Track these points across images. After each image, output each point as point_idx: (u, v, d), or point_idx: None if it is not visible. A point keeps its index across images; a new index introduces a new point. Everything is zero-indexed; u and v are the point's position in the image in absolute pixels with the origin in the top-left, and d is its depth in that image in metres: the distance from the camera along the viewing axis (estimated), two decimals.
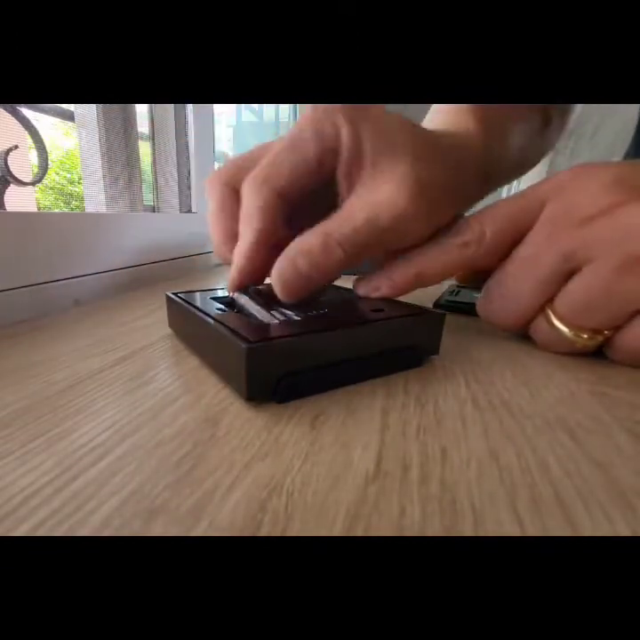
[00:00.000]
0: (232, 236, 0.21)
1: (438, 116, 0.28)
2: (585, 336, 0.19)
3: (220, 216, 0.22)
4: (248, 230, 0.19)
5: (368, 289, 0.21)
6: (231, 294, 0.21)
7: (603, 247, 0.17)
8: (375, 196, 0.18)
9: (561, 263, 0.18)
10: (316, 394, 0.16)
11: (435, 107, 0.31)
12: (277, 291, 0.19)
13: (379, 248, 0.19)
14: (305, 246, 0.18)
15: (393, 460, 0.12)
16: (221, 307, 0.19)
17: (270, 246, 0.19)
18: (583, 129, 1.88)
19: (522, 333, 0.22)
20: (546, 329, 0.20)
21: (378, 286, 0.21)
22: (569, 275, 0.18)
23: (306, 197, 0.20)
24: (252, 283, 0.20)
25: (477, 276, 0.27)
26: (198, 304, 0.20)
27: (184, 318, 0.21)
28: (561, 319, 0.19)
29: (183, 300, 0.21)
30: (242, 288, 0.20)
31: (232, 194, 0.21)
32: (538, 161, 0.35)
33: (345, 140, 0.18)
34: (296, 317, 0.18)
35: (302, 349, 0.15)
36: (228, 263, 0.22)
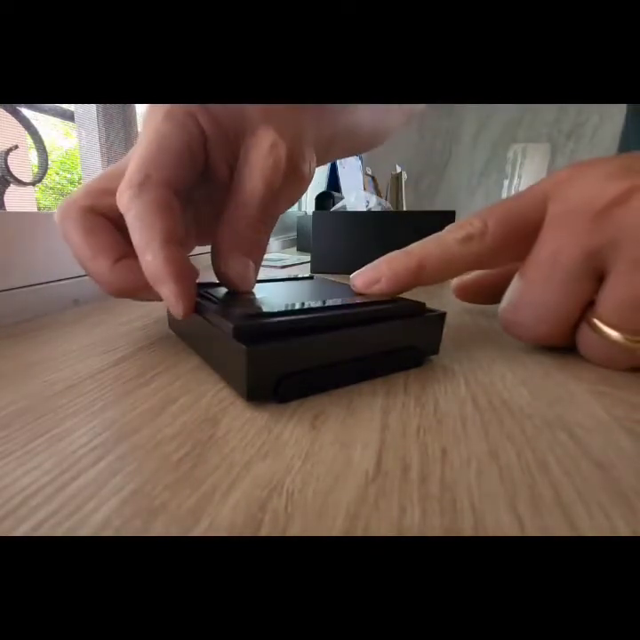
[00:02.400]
0: (120, 264, 0.18)
1: None
2: None
3: (98, 245, 0.18)
4: (152, 234, 0.16)
5: (366, 281, 0.20)
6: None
7: (629, 235, 0.16)
8: None
9: (585, 261, 0.17)
10: (316, 393, 0.16)
11: None
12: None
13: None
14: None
15: (393, 460, 0.12)
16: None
17: (180, 245, 0.17)
18: (583, 130, 1.88)
19: (558, 347, 0.20)
20: (595, 340, 0.18)
21: (377, 278, 0.20)
22: (597, 273, 0.17)
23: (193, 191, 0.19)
24: (192, 290, 0.17)
25: (481, 293, 0.27)
26: (198, 303, 0.20)
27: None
28: (609, 324, 0.17)
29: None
30: (192, 303, 0.17)
31: (98, 219, 0.19)
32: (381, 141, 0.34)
33: None
34: (296, 317, 0.18)
35: (302, 350, 0.15)
36: (124, 296, 0.19)
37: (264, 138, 0.19)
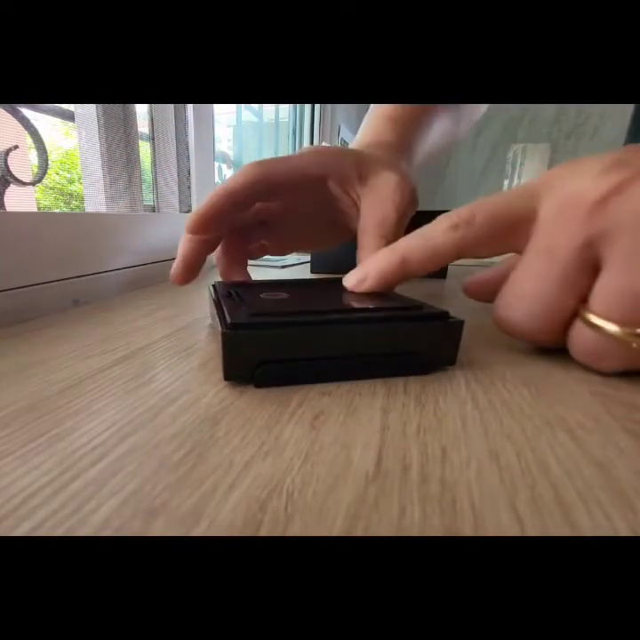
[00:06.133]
0: (205, 237, 0.24)
1: (364, 127, 0.34)
2: None
3: (215, 216, 0.23)
4: (221, 188, 0.23)
5: (354, 280, 0.21)
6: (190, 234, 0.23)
7: (624, 225, 0.16)
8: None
9: (581, 254, 0.17)
10: (299, 384, 0.17)
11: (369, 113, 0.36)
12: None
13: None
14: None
15: (393, 459, 0.12)
16: (231, 291, 0.21)
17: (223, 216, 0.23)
18: (583, 130, 1.89)
19: (555, 347, 0.19)
20: (589, 337, 0.17)
21: (364, 277, 0.21)
22: (592, 266, 0.17)
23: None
24: (199, 231, 0.23)
25: (494, 290, 0.27)
26: (218, 289, 0.22)
27: (211, 304, 0.23)
28: (605, 318, 0.17)
29: (214, 288, 0.23)
30: (198, 231, 0.23)
31: (236, 200, 0.24)
32: (440, 157, 0.41)
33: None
34: (288, 308, 0.18)
35: (281, 340, 0.16)
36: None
37: (391, 177, 0.25)
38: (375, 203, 0.24)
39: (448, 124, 0.38)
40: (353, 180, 0.25)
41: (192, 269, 0.25)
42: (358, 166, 0.25)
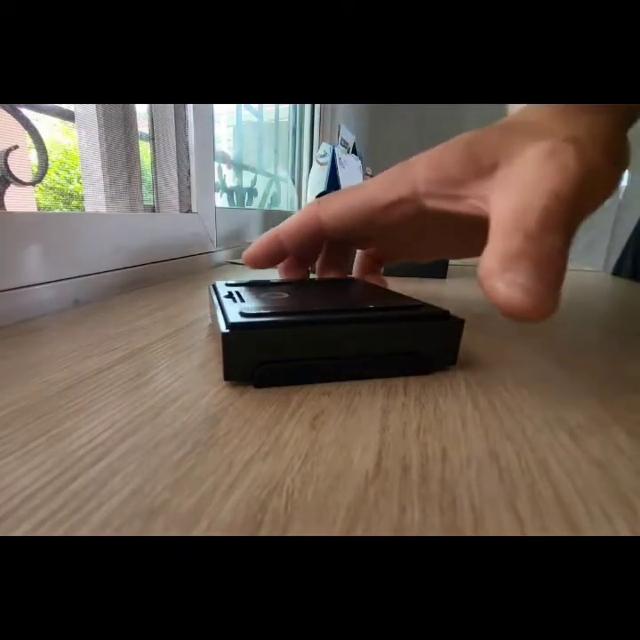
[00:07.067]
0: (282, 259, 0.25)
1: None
2: None
3: (296, 240, 0.24)
4: (273, 229, 0.24)
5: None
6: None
7: None
8: (532, 177, 0.16)
9: None
10: (299, 384, 0.17)
11: None
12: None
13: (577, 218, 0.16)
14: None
15: (393, 459, 0.12)
16: (231, 291, 0.21)
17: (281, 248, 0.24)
18: None
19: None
20: None
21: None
22: None
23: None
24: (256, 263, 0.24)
25: None
26: (218, 289, 0.22)
27: (211, 304, 0.23)
28: None
29: (214, 288, 0.22)
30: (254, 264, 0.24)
31: (314, 229, 0.23)
32: None
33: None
34: (288, 308, 0.18)
35: (283, 340, 0.16)
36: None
37: (538, 148, 0.16)
38: (510, 190, 0.16)
39: None
40: (466, 180, 0.17)
41: (266, 259, 0.24)
42: (472, 156, 0.17)
